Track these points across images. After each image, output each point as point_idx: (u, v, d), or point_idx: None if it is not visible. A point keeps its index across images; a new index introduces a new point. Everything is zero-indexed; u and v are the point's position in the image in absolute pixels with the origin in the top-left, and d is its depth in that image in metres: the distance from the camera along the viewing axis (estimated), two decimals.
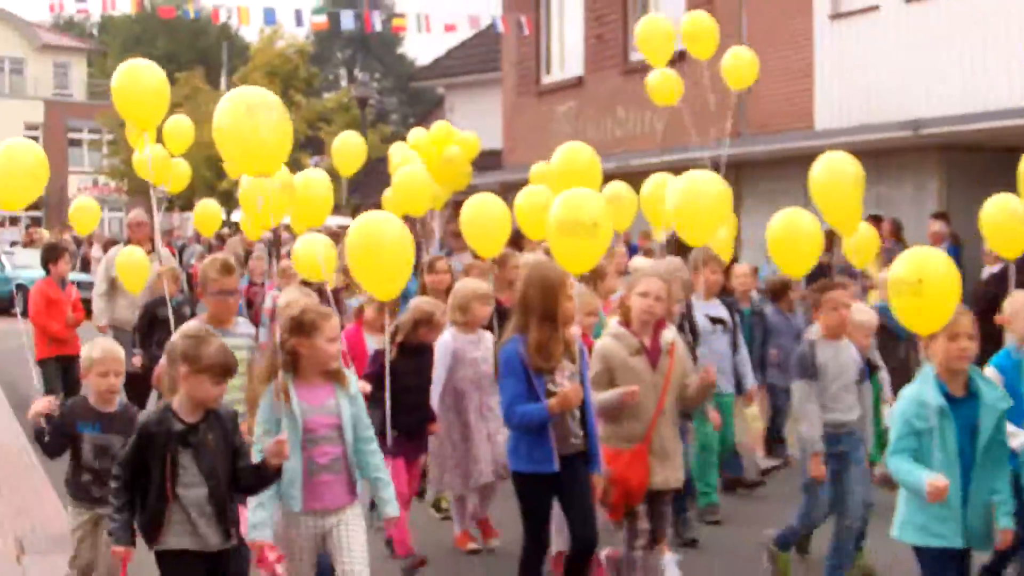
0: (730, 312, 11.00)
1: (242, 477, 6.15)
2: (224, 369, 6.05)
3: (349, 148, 15.62)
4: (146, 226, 14.49)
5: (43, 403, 7.12)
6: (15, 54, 65.91)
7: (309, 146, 46.25)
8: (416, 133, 16.91)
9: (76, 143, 64.47)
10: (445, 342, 9.32)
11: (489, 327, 9.87)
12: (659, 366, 7.72)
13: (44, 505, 10.65)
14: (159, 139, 15.22)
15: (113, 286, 14.09)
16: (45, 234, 42.56)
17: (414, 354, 9.05)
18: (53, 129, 63.53)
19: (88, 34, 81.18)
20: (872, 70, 19.38)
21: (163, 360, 7.55)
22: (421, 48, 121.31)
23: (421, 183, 13.86)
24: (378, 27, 30.80)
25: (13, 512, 10.41)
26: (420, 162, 15.05)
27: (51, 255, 14.04)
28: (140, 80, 10.02)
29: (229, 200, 44.46)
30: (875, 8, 19.40)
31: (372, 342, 9.72)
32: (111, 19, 76.71)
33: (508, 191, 27.55)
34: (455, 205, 15.37)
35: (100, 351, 7.19)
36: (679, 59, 23.35)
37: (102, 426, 7.12)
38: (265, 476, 6.16)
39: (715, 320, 10.68)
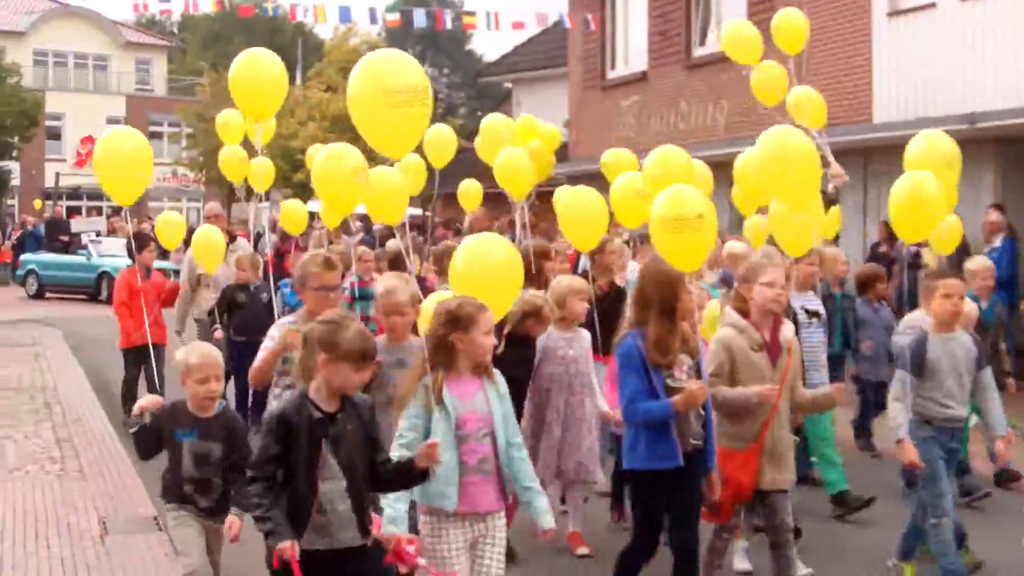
0: (823, 301, 10.60)
1: (381, 472, 5.76)
2: (364, 354, 5.65)
3: (440, 140, 15.51)
4: (223, 218, 14.80)
5: (149, 400, 6.84)
6: (100, 51, 67.20)
7: None
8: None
9: (156, 136, 65.42)
10: (540, 337, 8.97)
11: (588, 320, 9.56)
12: (778, 364, 7.50)
13: (128, 489, 10.68)
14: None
15: (198, 281, 14.32)
16: (126, 225, 43.38)
17: (520, 345, 8.70)
18: (134, 123, 64.39)
19: (169, 32, 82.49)
20: (928, 65, 19.51)
21: (260, 355, 7.43)
22: (488, 44, 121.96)
23: (523, 163, 13.47)
24: (449, 25, 31.35)
25: (98, 494, 10.46)
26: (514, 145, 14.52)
27: (136, 244, 13.81)
28: (260, 70, 9.71)
29: (305, 191, 45.41)
30: (931, 5, 19.58)
31: None
32: (191, 18, 77.97)
33: (573, 183, 28.10)
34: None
35: (198, 356, 6.75)
36: None
37: (200, 432, 6.67)
38: (410, 476, 5.79)
39: (811, 313, 10.28)
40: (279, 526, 5.39)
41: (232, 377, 12.67)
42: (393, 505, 6.01)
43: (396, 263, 12.65)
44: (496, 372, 6.34)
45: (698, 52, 26.03)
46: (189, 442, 6.65)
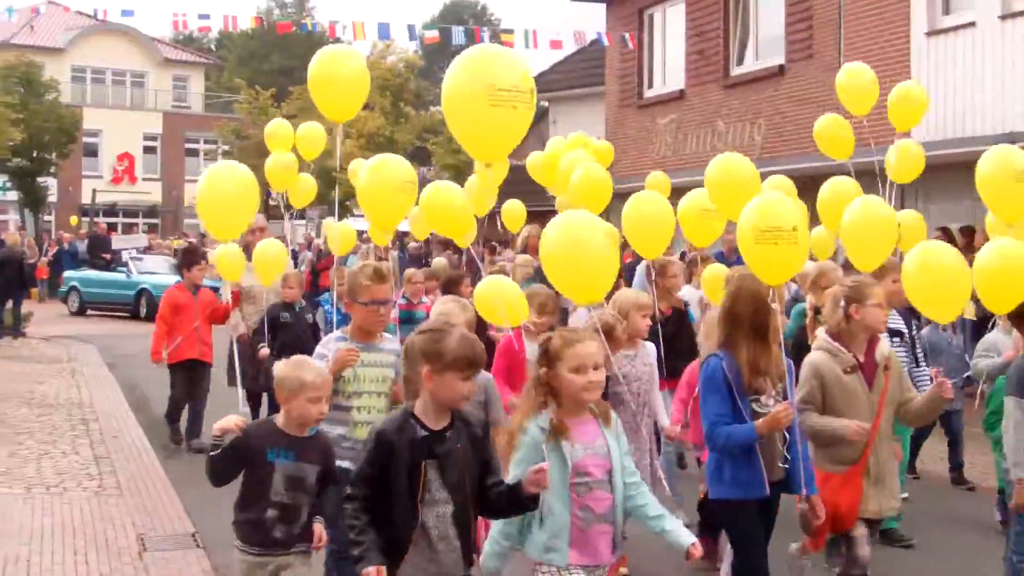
0: (907, 323, 10.06)
1: (492, 496, 5.34)
2: (471, 362, 5.26)
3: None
4: (267, 231, 14.43)
5: (232, 420, 6.02)
6: (137, 68, 67.68)
7: (416, 157, 47.17)
8: (553, 143, 16.24)
9: (192, 153, 65.91)
10: None
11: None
12: (875, 384, 7.17)
13: (166, 506, 10.71)
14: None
15: (243, 295, 13.75)
16: (163, 242, 43.44)
17: None
18: (171, 140, 65.11)
19: (206, 49, 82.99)
20: (968, 85, 19.47)
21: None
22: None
23: (601, 181, 12.90)
24: (487, 42, 31.40)
25: (136, 511, 10.47)
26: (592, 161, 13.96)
27: (186, 260, 13.92)
28: (339, 68, 9.22)
29: (340, 209, 45.45)
30: (971, 24, 19.55)
31: (533, 351, 7.79)
32: (228, 35, 78.48)
33: (610, 200, 28.10)
34: None
35: (312, 374, 6.08)
36: (779, 72, 23.93)
37: (297, 454, 6.03)
38: (519, 502, 5.30)
39: (894, 333, 9.58)
40: (368, 550, 5.06)
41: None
42: (494, 558, 5.72)
43: (450, 286, 12.48)
44: (613, 415, 5.82)
45: (736, 71, 26.02)
46: (283, 464, 6.00)
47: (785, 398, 6.79)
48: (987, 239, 17.05)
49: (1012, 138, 17.88)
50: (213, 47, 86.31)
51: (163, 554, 9.13)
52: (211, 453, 5.94)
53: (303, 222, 52.87)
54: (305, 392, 6.00)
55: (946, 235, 18.73)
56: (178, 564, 8.87)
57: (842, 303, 7.33)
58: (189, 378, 13.65)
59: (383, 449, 5.19)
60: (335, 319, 12.21)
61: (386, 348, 7.18)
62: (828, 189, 12.32)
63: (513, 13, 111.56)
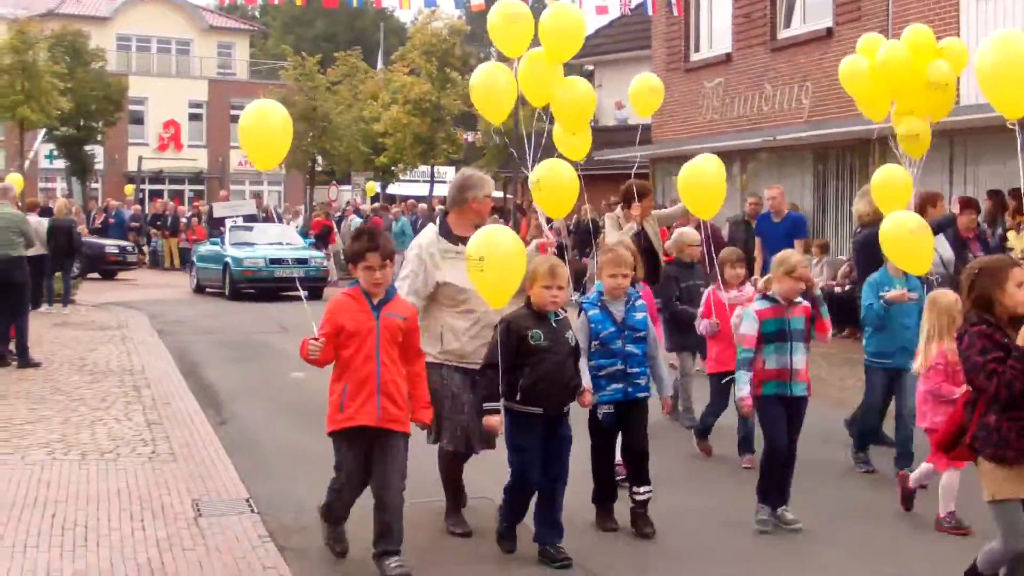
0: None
1: None
2: None
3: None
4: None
5: None
6: (182, 36, 67.97)
7: (463, 122, 47.16)
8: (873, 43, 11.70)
9: (238, 120, 65.97)
10: None
11: None
12: None
13: (220, 471, 10.66)
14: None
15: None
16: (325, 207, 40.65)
17: None
18: (216, 107, 65.35)
19: (251, 16, 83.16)
20: None
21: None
22: None
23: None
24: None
25: (190, 476, 10.43)
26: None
27: (360, 250, 7.51)
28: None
29: (386, 174, 45.55)
30: None
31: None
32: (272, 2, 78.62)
33: (656, 165, 28.05)
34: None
35: None
36: (827, 35, 23.72)
37: None
38: None
39: None
40: None
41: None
42: None
43: None
44: None
45: (783, 34, 25.82)
46: None
47: None
48: None
49: None
50: (257, 14, 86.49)
51: (218, 519, 9.15)
52: None
53: (348, 187, 53.05)
54: None
55: (997, 198, 18.56)
56: (235, 529, 8.88)
57: None
58: (365, 456, 7.62)
59: None
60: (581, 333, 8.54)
61: None
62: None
63: None
